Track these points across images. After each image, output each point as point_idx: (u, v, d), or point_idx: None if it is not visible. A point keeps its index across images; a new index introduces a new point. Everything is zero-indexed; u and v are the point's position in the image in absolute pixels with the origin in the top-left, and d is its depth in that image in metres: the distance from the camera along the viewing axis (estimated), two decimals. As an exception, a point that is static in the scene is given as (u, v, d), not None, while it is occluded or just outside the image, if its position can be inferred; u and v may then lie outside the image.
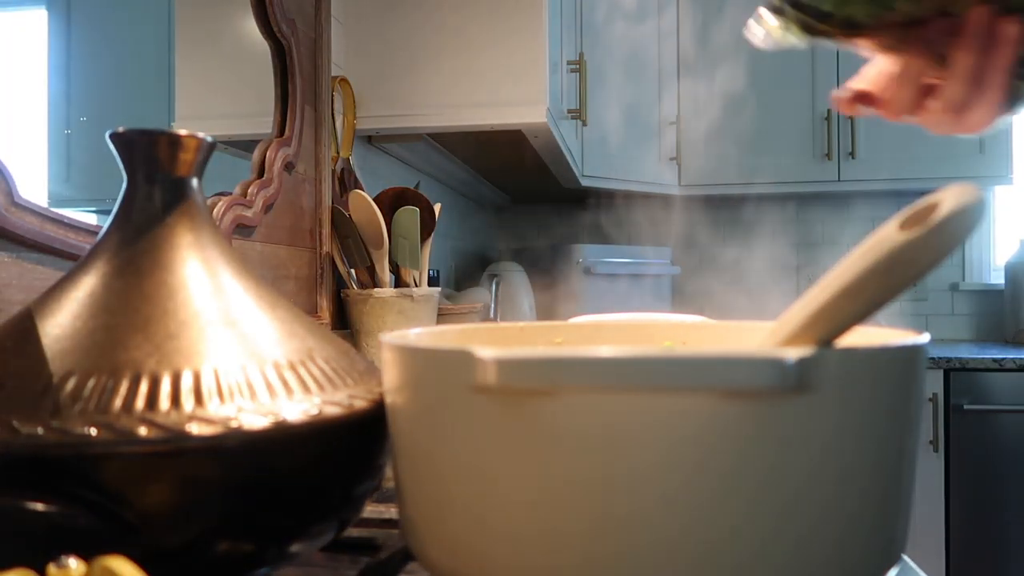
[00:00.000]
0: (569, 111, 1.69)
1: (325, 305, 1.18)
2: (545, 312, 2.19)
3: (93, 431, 0.33)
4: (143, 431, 0.34)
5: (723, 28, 2.33)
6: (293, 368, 0.40)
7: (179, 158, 0.43)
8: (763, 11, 0.50)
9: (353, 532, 0.56)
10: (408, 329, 0.49)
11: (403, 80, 1.37)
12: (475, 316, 1.42)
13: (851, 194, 2.52)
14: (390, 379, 0.39)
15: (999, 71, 0.46)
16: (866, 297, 0.32)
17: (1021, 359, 1.95)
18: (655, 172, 2.34)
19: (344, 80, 1.34)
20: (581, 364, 0.30)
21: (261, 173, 1.03)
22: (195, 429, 0.35)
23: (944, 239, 0.31)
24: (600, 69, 1.98)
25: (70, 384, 0.35)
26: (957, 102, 0.47)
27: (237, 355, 0.38)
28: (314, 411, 0.38)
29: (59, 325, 0.38)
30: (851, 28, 0.48)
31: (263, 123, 1.08)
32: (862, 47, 0.51)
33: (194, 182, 0.44)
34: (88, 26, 0.84)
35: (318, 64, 1.19)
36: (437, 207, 1.28)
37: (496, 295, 1.88)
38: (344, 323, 1.24)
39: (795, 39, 0.50)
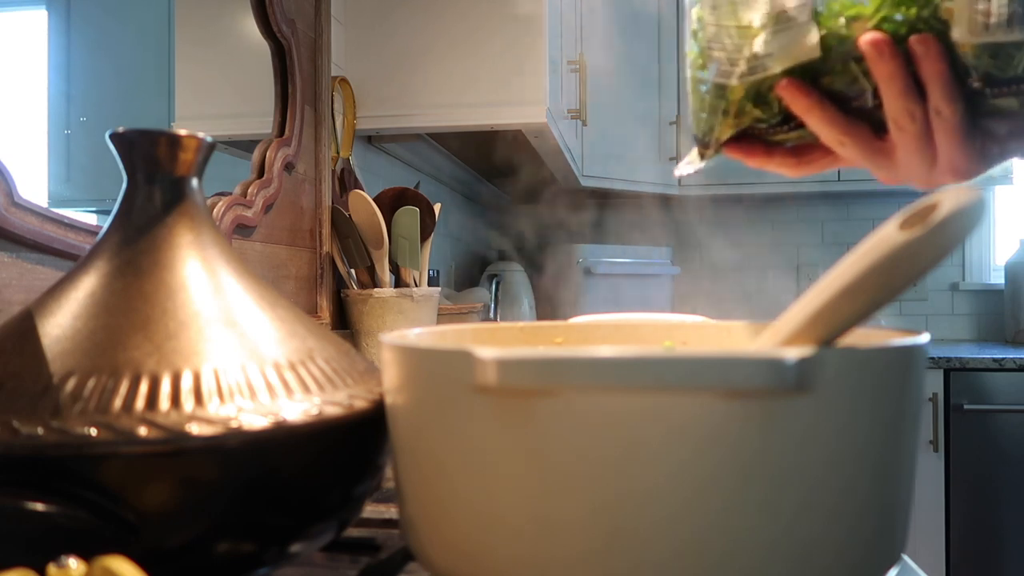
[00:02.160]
0: (569, 111, 1.69)
1: (325, 305, 1.18)
2: (545, 312, 2.19)
3: (93, 431, 0.33)
4: (143, 431, 0.34)
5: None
6: (293, 368, 0.40)
7: (179, 158, 0.43)
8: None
9: (353, 532, 0.56)
10: (408, 329, 0.49)
11: (403, 80, 1.37)
12: (475, 316, 1.42)
13: (851, 194, 2.52)
14: (390, 379, 0.39)
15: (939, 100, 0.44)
16: (866, 297, 0.33)
17: (1021, 359, 1.95)
18: (655, 172, 2.34)
19: (344, 80, 1.34)
20: (581, 364, 0.30)
21: (261, 173, 1.03)
22: (195, 429, 0.35)
23: (944, 239, 0.31)
24: (600, 69, 1.98)
25: (70, 384, 0.35)
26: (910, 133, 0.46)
27: (237, 355, 0.38)
28: (314, 411, 0.38)
29: (59, 325, 0.38)
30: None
31: (263, 123, 1.08)
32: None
33: (194, 182, 0.44)
34: (88, 26, 0.84)
35: (318, 64, 1.19)
36: (437, 207, 1.28)
37: (496, 295, 1.88)
38: (344, 323, 1.24)
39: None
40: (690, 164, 0.56)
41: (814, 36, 0.46)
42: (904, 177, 0.49)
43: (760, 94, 0.48)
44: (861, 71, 0.46)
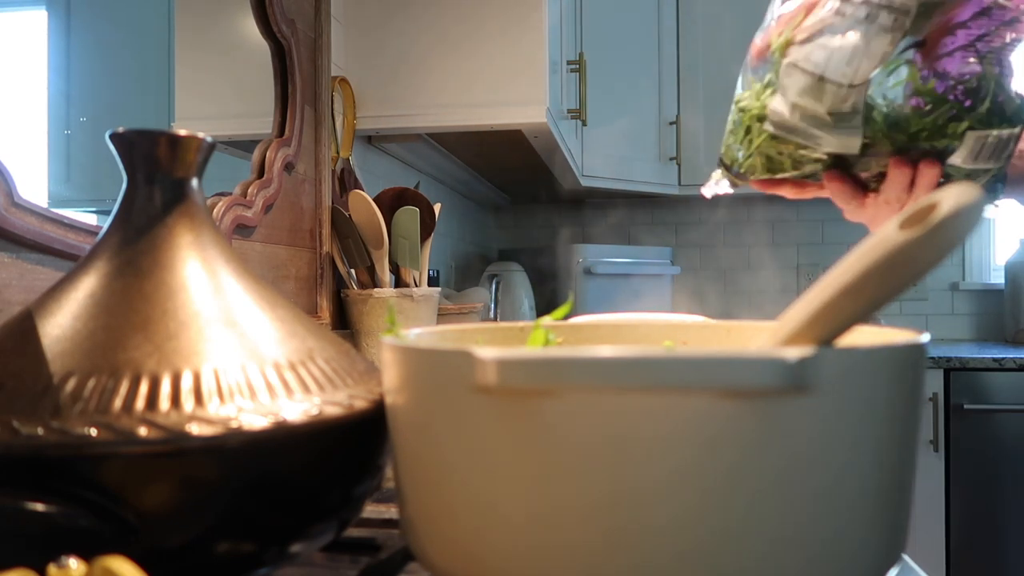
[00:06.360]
0: (569, 111, 1.69)
1: (325, 305, 1.18)
2: (545, 312, 2.18)
3: (93, 431, 0.33)
4: (143, 431, 0.34)
5: (723, 27, 2.33)
6: (293, 368, 0.40)
7: (179, 158, 0.43)
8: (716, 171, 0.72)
9: (353, 532, 0.56)
10: (408, 329, 0.49)
11: (403, 80, 1.37)
12: (475, 316, 1.42)
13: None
14: (390, 379, 0.39)
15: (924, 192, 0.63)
16: (866, 297, 0.32)
17: (1021, 359, 1.95)
18: (655, 172, 2.34)
19: (344, 80, 1.34)
20: (581, 364, 0.30)
21: (261, 173, 1.03)
22: (195, 429, 0.35)
23: (944, 239, 0.31)
24: (600, 68, 1.98)
25: (70, 384, 0.35)
26: (891, 210, 0.66)
27: (237, 355, 0.38)
28: (314, 411, 0.38)
29: (59, 325, 0.38)
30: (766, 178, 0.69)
31: (263, 123, 1.08)
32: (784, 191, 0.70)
33: (194, 182, 0.44)
34: (88, 26, 0.84)
35: (318, 64, 1.19)
36: (437, 207, 1.28)
37: (496, 295, 1.88)
38: (344, 323, 1.24)
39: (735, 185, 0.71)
40: (717, 186, 0.72)
41: (857, 141, 0.62)
42: (864, 221, 0.69)
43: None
44: (879, 165, 0.64)
